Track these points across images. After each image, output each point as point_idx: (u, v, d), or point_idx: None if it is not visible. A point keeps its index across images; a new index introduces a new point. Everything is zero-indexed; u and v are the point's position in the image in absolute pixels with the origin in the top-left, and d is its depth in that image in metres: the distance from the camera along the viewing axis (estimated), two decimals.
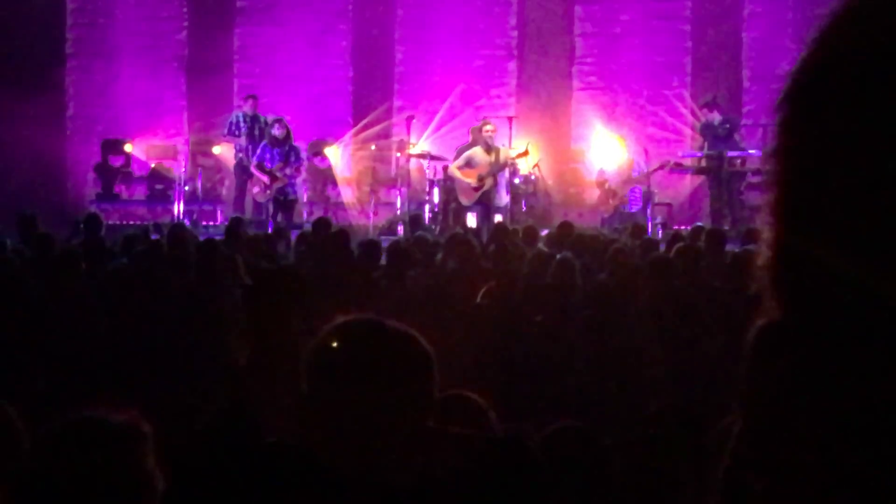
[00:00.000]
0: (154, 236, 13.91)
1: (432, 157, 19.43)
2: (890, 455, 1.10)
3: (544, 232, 14.62)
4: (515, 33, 21.95)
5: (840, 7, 1.17)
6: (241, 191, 19.47)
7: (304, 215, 20.00)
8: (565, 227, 13.75)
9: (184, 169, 20.57)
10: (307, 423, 2.90)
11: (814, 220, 1.14)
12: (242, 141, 19.60)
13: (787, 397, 1.15)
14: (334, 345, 2.86)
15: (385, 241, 12.65)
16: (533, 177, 19.40)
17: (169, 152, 21.28)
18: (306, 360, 2.89)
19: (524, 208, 18.80)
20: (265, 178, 18.59)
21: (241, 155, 19.54)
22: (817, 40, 1.18)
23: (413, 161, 19.96)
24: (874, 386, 1.10)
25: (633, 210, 18.71)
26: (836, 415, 1.12)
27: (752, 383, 1.20)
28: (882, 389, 1.10)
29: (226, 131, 20.16)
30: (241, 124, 19.78)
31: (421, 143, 20.38)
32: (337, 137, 21.40)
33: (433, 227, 18.00)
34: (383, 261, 11.16)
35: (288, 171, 18.63)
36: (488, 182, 17.51)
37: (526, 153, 18.12)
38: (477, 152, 17.77)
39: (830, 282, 1.12)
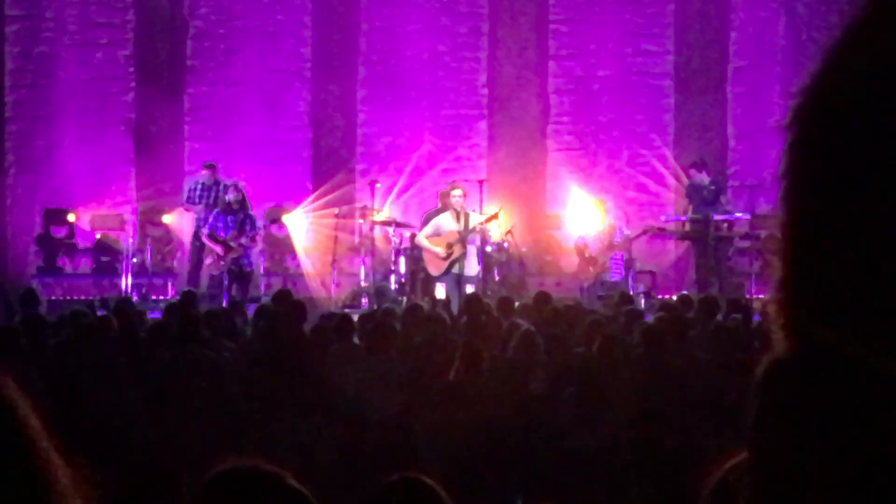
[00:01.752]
0: (100, 312, 13.84)
1: (398, 224, 19.41)
2: None
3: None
4: (485, 91, 22.05)
5: (858, 14, 1.15)
6: (198, 263, 19.41)
7: (262, 287, 19.94)
8: (541, 297, 13.71)
9: (132, 240, 20.47)
10: None
11: (826, 248, 1.12)
12: (200, 209, 19.54)
13: (797, 437, 1.15)
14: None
15: (350, 314, 12.62)
16: (506, 244, 19.29)
17: (115, 222, 21.18)
18: None
19: (497, 278, 18.71)
20: (218, 249, 18.39)
21: (200, 223, 19.44)
22: (833, 51, 1.16)
23: (377, 228, 19.95)
24: (890, 426, 1.09)
25: (615, 279, 18.67)
26: (849, 456, 1.11)
27: (759, 423, 1.20)
28: None
29: (185, 198, 20.16)
30: (200, 191, 19.75)
31: (386, 209, 20.39)
32: (295, 204, 21.38)
33: (400, 298, 17.95)
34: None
35: (243, 240, 18.41)
36: (457, 250, 17.32)
37: (496, 216, 17.89)
38: (445, 219, 17.54)
39: (844, 315, 1.11)
